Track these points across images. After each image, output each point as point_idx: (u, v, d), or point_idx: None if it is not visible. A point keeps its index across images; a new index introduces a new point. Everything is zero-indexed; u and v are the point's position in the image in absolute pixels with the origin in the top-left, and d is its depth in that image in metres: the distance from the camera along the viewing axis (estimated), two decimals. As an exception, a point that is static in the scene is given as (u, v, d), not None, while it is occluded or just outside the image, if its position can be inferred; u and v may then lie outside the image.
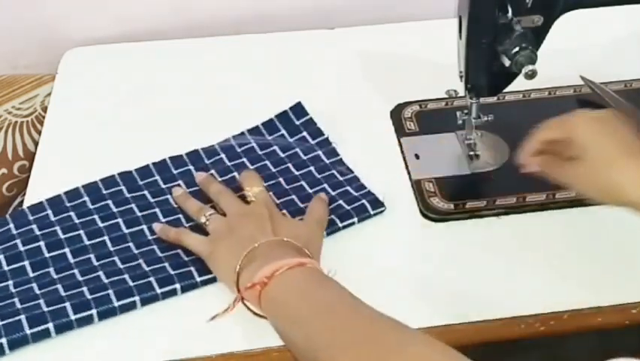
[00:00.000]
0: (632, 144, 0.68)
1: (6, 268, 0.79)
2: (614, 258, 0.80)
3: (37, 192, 0.89)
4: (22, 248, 0.81)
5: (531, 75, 0.76)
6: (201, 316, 0.75)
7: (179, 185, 0.87)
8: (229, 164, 0.89)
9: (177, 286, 0.76)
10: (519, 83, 0.82)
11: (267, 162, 0.89)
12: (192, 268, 0.78)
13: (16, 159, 1.02)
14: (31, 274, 0.78)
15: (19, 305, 0.74)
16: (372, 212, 0.83)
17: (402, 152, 0.92)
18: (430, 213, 0.85)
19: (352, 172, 0.88)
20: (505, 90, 0.85)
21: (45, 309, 0.74)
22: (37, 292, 0.76)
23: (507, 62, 0.78)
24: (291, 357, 0.73)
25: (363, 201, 0.83)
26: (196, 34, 1.13)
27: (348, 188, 0.85)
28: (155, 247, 0.81)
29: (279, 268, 0.68)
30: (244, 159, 0.90)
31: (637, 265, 0.79)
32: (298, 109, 0.95)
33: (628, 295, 0.77)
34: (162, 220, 0.83)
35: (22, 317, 0.73)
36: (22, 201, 0.90)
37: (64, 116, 1.00)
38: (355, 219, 0.82)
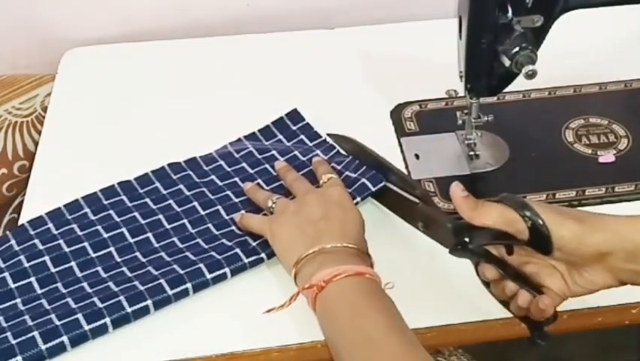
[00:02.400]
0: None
1: (12, 285, 0.78)
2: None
3: (37, 192, 0.89)
4: (26, 264, 0.79)
5: (531, 75, 0.76)
6: (201, 316, 0.75)
7: (180, 189, 0.87)
8: (229, 169, 0.89)
9: (189, 285, 0.75)
10: (519, 83, 0.82)
11: (267, 166, 0.89)
12: (201, 266, 0.77)
13: (16, 159, 1.02)
14: (39, 291, 0.77)
15: (30, 322, 0.73)
16: (373, 188, 0.83)
17: (402, 152, 0.92)
18: (430, 214, 0.85)
19: (349, 157, 0.88)
20: (505, 90, 0.85)
21: (57, 323, 0.73)
22: (48, 307, 0.75)
23: (507, 62, 0.78)
24: (291, 357, 0.73)
25: (363, 180, 0.83)
26: (196, 34, 1.13)
27: (347, 172, 0.85)
28: (162, 253, 0.80)
29: (338, 273, 0.69)
30: (243, 164, 0.89)
31: (637, 265, 0.79)
32: (294, 115, 0.95)
33: (628, 295, 0.76)
34: (167, 226, 0.83)
35: (36, 333, 0.72)
36: (22, 201, 0.90)
37: (64, 117, 1.00)
38: (358, 199, 0.82)
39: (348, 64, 1.06)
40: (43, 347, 0.71)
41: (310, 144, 0.92)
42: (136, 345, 0.73)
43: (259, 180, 0.87)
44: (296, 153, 0.90)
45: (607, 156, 0.90)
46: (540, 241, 0.66)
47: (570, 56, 1.01)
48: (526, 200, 0.67)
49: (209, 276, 0.76)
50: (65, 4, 1.11)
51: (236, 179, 0.88)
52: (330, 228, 0.74)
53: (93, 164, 0.92)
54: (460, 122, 0.89)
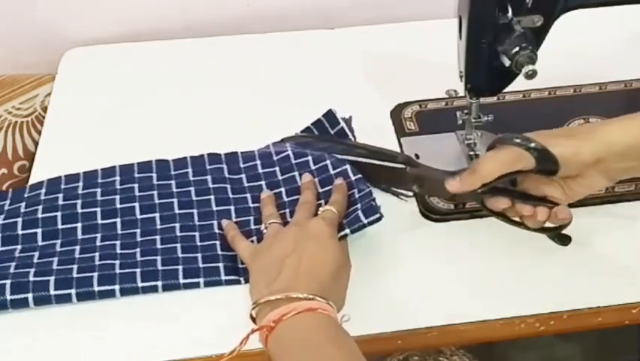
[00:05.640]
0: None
1: (20, 231, 0.81)
2: (614, 258, 0.80)
3: (37, 192, 0.89)
4: (40, 215, 0.83)
5: (531, 75, 0.76)
6: (201, 315, 0.76)
7: (206, 180, 0.87)
8: (260, 171, 0.88)
9: (159, 283, 0.77)
10: (519, 83, 0.82)
11: (296, 174, 0.87)
12: (180, 268, 0.78)
13: (16, 159, 1.02)
14: (40, 243, 0.81)
15: (12, 270, 0.77)
16: (364, 220, 0.78)
17: (402, 152, 0.92)
18: (430, 213, 0.85)
19: (367, 186, 0.83)
20: (505, 90, 0.85)
21: (30, 278, 0.76)
22: (35, 260, 0.78)
23: (507, 62, 0.78)
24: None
25: (358, 211, 0.79)
26: (196, 34, 1.13)
27: (359, 204, 0.81)
28: (157, 237, 0.81)
29: (287, 312, 0.67)
30: (276, 168, 0.88)
31: (637, 265, 0.79)
32: (330, 117, 0.92)
33: (627, 295, 0.77)
34: (176, 211, 0.84)
35: (9, 281, 0.75)
36: (22, 201, 0.90)
37: (64, 117, 1.00)
38: (347, 231, 0.78)
39: (348, 64, 1.06)
40: (9, 298, 0.74)
41: (342, 156, 0.88)
42: (136, 345, 0.74)
43: (282, 189, 0.86)
44: (327, 163, 0.86)
45: (607, 156, 0.90)
46: (547, 165, 0.72)
47: (570, 56, 1.01)
48: (521, 135, 0.73)
49: (182, 281, 0.77)
50: (65, 4, 1.11)
51: (263, 183, 0.87)
52: (294, 264, 0.72)
53: (93, 164, 0.91)
54: (460, 122, 0.89)
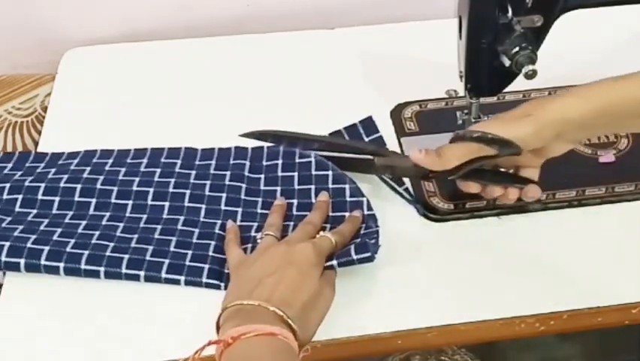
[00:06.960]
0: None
1: (40, 197, 0.84)
2: (614, 258, 0.80)
3: (37, 192, 0.89)
4: (62, 184, 0.85)
5: (531, 75, 0.76)
6: (201, 315, 0.75)
7: (224, 175, 0.87)
8: (280, 174, 0.86)
9: (142, 273, 0.77)
10: (519, 83, 0.82)
11: (312, 187, 0.85)
12: (166, 262, 0.78)
13: (16, 159, 1.02)
14: (54, 211, 0.83)
15: (16, 233, 0.79)
16: (354, 256, 0.74)
17: (402, 152, 0.92)
18: (430, 213, 0.85)
19: (377, 226, 0.80)
20: (505, 90, 0.85)
21: (27, 245, 0.78)
22: (40, 228, 0.80)
23: (507, 62, 0.78)
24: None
25: (351, 246, 0.75)
26: (196, 34, 1.13)
27: (360, 236, 0.79)
28: (159, 227, 0.82)
29: (248, 331, 0.66)
30: (295, 174, 0.86)
31: (637, 265, 0.79)
32: (368, 123, 0.91)
33: (627, 295, 0.77)
34: (185, 204, 0.84)
35: (7, 244, 0.78)
36: (22, 201, 0.90)
37: (64, 116, 1.00)
38: (334, 262, 0.75)
39: (348, 64, 1.06)
40: (3, 259, 0.77)
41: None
42: (135, 345, 0.74)
43: (295, 201, 0.84)
44: (346, 187, 0.84)
45: (607, 156, 0.90)
46: (509, 151, 0.75)
47: (570, 56, 1.01)
48: (475, 130, 0.76)
49: (164, 275, 0.78)
50: (65, 4, 1.11)
51: (278, 189, 0.86)
52: (271, 286, 0.70)
53: (93, 164, 0.92)
54: (460, 122, 0.89)
